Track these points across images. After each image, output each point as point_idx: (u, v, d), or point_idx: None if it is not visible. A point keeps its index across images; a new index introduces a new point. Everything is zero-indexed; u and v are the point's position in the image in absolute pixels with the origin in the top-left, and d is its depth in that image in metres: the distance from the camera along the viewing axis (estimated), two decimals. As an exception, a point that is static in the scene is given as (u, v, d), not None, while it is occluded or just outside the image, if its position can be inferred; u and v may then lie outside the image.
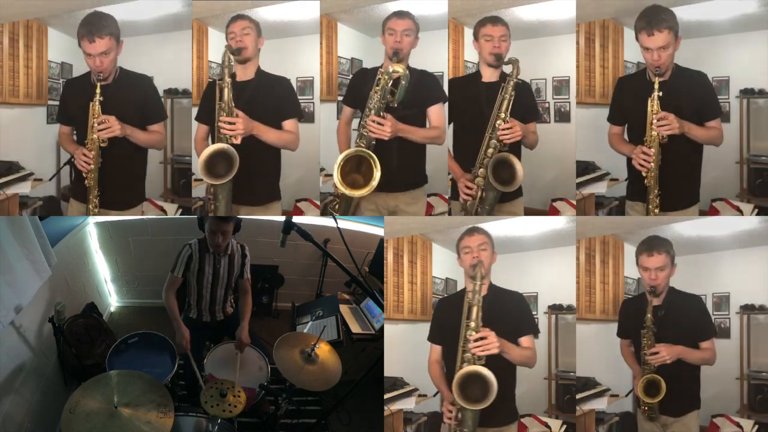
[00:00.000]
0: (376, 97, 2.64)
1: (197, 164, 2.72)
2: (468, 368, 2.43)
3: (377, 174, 2.60)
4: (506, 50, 2.77)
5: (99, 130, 2.64)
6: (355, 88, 2.89)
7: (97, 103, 2.64)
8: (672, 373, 2.69)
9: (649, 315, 2.70)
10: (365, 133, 2.67)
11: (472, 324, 2.45)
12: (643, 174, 2.67)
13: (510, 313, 2.62)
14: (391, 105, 2.66)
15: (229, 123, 2.64)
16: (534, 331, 2.66)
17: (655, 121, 2.60)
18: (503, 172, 2.70)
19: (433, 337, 2.75)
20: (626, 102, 2.80)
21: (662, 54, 2.59)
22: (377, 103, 2.64)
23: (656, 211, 2.70)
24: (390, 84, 2.62)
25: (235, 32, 2.77)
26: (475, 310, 2.46)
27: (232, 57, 2.68)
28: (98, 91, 2.64)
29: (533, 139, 2.85)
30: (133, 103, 2.78)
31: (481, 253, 2.59)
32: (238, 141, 2.66)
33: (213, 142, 2.75)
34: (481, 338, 2.44)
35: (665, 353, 2.67)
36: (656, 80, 2.60)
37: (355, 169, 2.66)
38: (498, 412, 2.48)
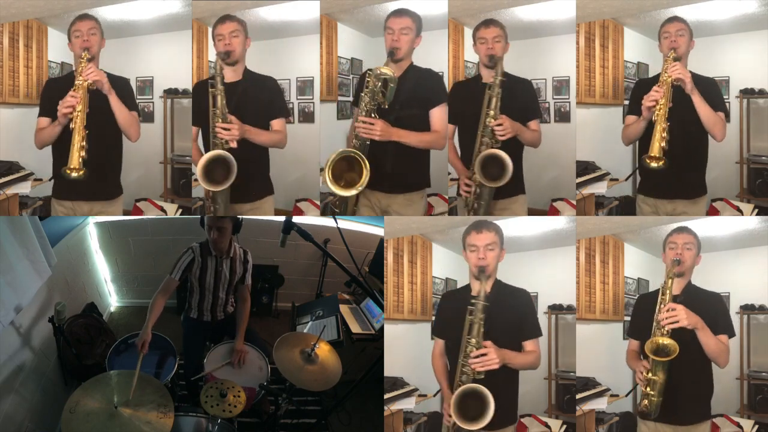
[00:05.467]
0: (366, 99, 2.66)
1: (196, 168, 2.73)
2: (465, 386, 2.41)
3: (366, 173, 2.63)
4: (501, 51, 2.77)
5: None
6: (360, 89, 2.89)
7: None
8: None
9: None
10: (358, 134, 2.69)
11: (473, 341, 2.42)
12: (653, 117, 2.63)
13: (514, 313, 2.57)
14: (383, 106, 2.67)
15: (225, 129, 2.68)
16: (537, 333, 2.60)
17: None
18: (493, 169, 2.69)
19: (436, 331, 2.75)
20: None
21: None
22: (368, 104, 2.66)
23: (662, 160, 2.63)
24: (380, 86, 2.63)
25: (223, 35, 2.79)
26: (476, 327, 2.42)
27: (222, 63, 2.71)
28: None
29: (531, 137, 2.83)
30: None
31: (488, 253, 2.51)
32: (234, 145, 2.70)
33: (204, 144, 2.79)
34: (482, 354, 2.39)
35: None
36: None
37: (349, 168, 2.68)
38: (498, 416, 2.44)
